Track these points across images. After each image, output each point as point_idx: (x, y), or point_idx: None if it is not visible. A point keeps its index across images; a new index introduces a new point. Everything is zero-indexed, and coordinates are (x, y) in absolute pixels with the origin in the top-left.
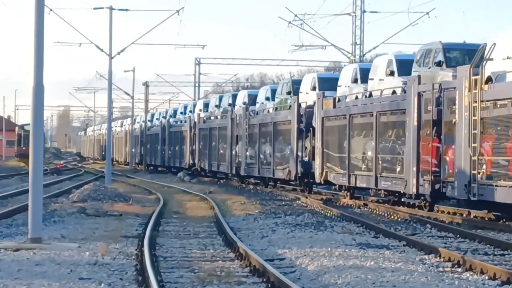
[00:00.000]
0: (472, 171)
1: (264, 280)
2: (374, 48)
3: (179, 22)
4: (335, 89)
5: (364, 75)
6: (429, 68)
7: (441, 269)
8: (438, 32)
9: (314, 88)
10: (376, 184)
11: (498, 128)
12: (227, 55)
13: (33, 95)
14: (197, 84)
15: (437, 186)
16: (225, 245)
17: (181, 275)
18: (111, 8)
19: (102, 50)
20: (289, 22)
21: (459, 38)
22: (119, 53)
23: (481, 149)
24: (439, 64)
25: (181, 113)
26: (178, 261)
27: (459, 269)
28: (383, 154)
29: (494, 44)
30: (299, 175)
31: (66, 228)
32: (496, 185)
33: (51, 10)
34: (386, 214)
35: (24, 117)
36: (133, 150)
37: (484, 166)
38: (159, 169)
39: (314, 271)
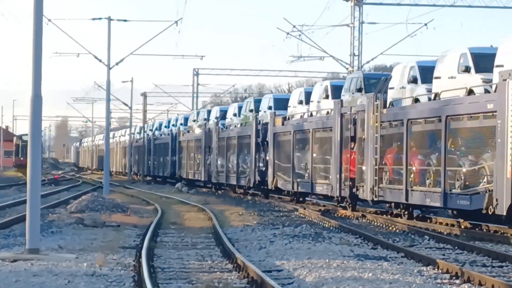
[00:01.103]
0: (375, 177)
1: None
2: (373, 59)
3: (177, 33)
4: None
5: (336, 91)
6: (353, 93)
7: (439, 280)
8: (436, 43)
9: (270, 107)
10: (312, 189)
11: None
12: (225, 66)
13: (31, 105)
14: (195, 95)
15: (354, 190)
16: (223, 256)
17: (179, 286)
18: (109, 19)
19: (100, 61)
20: (288, 33)
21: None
22: (117, 64)
23: (385, 159)
24: (359, 90)
25: (166, 126)
26: (176, 272)
27: (457, 281)
28: (317, 164)
29: (391, 77)
30: (257, 182)
31: (64, 239)
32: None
33: (49, 20)
34: (384, 226)
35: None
36: (131, 160)
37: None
38: (158, 179)
39: (312, 283)
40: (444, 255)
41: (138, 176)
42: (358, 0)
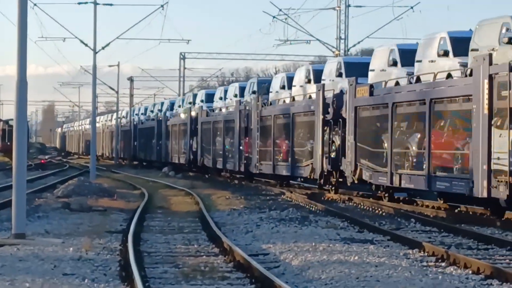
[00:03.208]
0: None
1: (248, 275)
2: (359, 42)
3: (163, 17)
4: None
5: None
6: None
7: (425, 263)
8: (422, 26)
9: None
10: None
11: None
12: (212, 50)
13: (17, 90)
14: (182, 79)
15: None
16: (210, 240)
17: (165, 271)
18: (95, 3)
19: (86, 45)
20: (274, 17)
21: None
22: (103, 48)
23: None
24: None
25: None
26: (162, 257)
27: (443, 264)
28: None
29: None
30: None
31: (50, 223)
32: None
33: (35, 5)
34: (370, 209)
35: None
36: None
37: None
38: (144, 164)
39: (298, 266)
40: (430, 238)
41: (125, 161)
42: None
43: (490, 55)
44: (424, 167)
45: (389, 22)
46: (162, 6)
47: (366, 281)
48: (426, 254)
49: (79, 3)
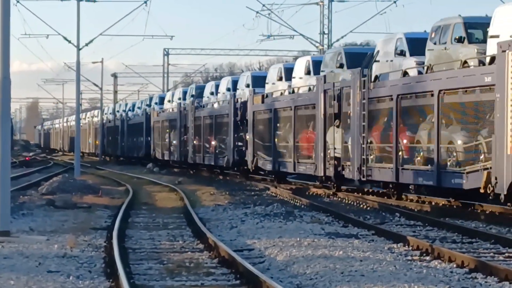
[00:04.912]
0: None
1: (233, 271)
2: (342, 37)
3: (147, 13)
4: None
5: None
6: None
7: (409, 257)
8: (405, 21)
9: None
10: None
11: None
12: (196, 46)
13: (0, 88)
14: (166, 75)
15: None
16: (194, 236)
17: (150, 267)
18: (78, 0)
19: (70, 42)
20: (257, 12)
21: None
22: (87, 45)
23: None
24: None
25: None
26: (147, 253)
27: (427, 258)
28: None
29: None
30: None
31: (35, 220)
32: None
33: (17, 1)
34: (355, 203)
35: None
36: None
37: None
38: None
39: (283, 261)
40: (414, 232)
41: (111, 158)
42: None
43: None
44: (292, 156)
45: (372, 17)
46: (145, 2)
47: (351, 275)
48: (410, 248)
49: (62, 0)
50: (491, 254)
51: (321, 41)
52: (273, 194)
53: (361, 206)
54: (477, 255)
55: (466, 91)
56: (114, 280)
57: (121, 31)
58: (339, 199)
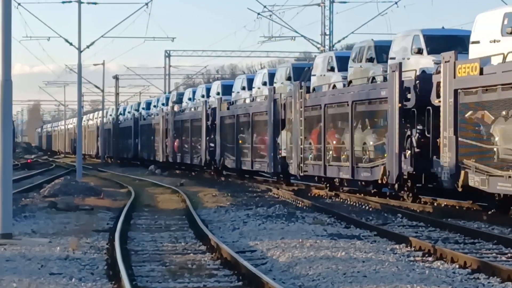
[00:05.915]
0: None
1: (236, 272)
2: (344, 38)
3: (148, 15)
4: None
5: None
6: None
7: (412, 258)
8: (407, 22)
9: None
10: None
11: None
12: (197, 47)
13: (1, 90)
14: (167, 77)
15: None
16: (197, 238)
17: (152, 269)
18: (79, 2)
19: (71, 44)
20: (258, 14)
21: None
22: (88, 47)
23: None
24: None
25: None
26: (150, 255)
27: (430, 258)
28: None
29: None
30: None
31: (37, 223)
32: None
33: (19, 4)
34: (357, 204)
35: None
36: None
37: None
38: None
39: (286, 263)
40: (416, 232)
41: (111, 159)
42: None
43: None
44: (249, 156)
45: (373, 18)
46: (146, 4)
47: (353, 276)
48: (413, 249)
49: (63, 2)
50: (494, 254)
51: (323, 42)
52: (275, 195)
53: (363, 207)
54: (480, 255)
55: (370, 102)
56: (116, 282)
57: (123, 33)
58: (341, 200)
